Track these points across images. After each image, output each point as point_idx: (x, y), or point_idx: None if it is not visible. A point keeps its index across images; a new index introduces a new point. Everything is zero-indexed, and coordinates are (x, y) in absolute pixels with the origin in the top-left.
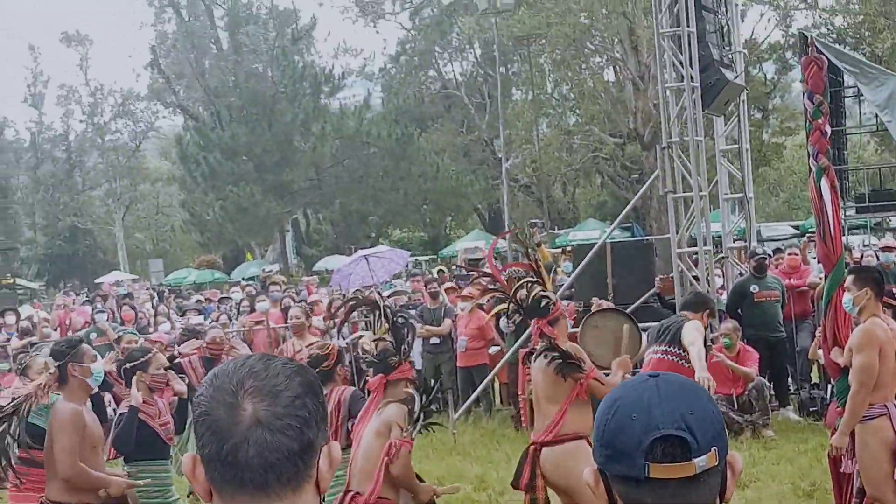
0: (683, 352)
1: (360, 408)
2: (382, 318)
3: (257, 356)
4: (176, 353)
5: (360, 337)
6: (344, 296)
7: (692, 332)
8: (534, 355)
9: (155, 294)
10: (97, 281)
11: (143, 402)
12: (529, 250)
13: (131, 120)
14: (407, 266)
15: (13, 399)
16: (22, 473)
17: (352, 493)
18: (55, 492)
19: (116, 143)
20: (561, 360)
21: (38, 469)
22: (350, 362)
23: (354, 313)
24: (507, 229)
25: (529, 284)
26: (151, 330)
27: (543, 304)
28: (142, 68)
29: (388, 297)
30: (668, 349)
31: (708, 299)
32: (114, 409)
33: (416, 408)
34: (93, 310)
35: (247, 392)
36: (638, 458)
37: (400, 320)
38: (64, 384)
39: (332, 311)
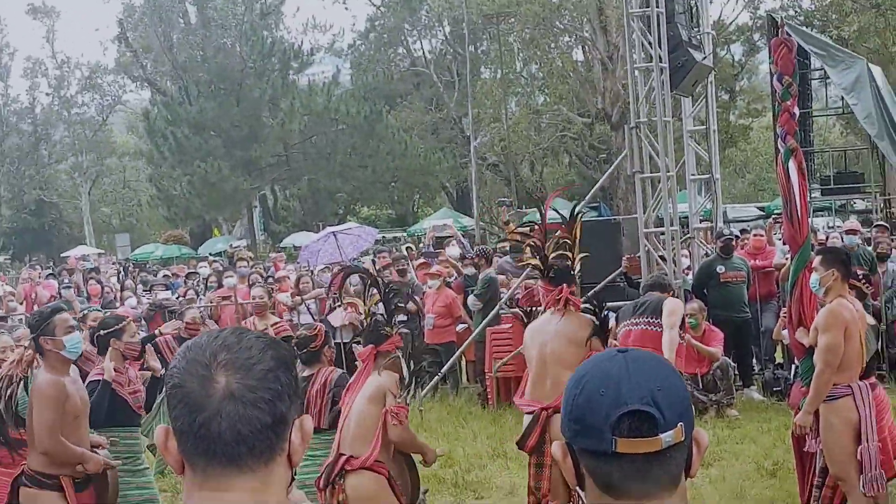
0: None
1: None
2: (373, 288)
3: (230, 329)
4: (156, 332)
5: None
6: (312, 272)
7: (675, 313)
8: (544, 318)
9: (121, 269)
10: (63, 255)
11: (115, 370)
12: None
13: (98, 93)
14: (375, 243)
15: None
16: None
17: (346, 456)
18: (36, 462)
19: (83, 117)
20: (598, 326)
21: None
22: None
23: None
24: (474, 208)
25: (565, 251)
26: (118, 305)
27: (571, 273)
28: (109, 41)
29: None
30: (651, 320)
31: (669, 282)
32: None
33: (406, 374)
34: (59, 284)
35: (220, 365)
36: (605, 432)
37: (392, 291)
38: (42, 357)
39: (300, 287)
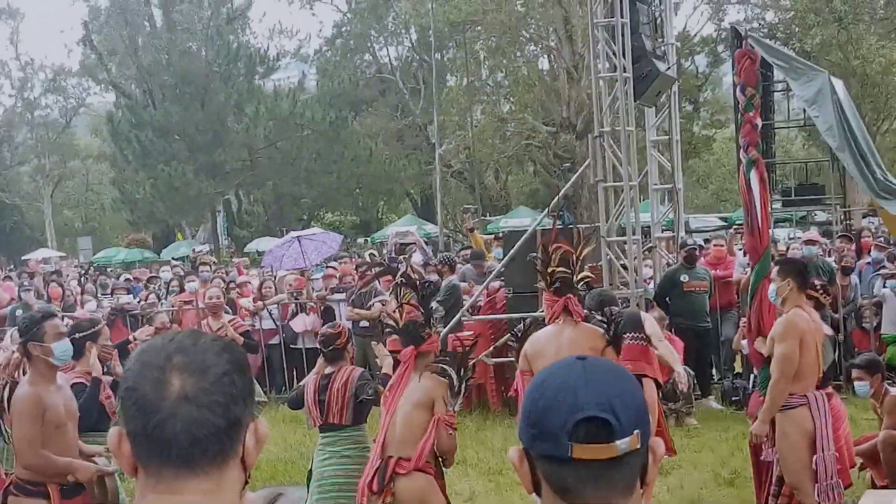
0: (645, 335)
1: (367, 388)
2: (408, 288)
3: (186, 332)
4: (130, 338)
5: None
6: (275, 277)
7: (656, 326)
8: (553, 328)
9: (83, 272)
10: (24, 258)
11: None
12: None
13: (62, 96)
14: (339, 249)
15: None
16: None
17: (395, 459)
18: (22, 471)
19: (46, 119)
20: (616, 335)
21: None
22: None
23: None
24: (438, 215)
25: (573, 264)
26: (78, 308)
27: (581, 285)
28: (74, 44)
29: (318, 278)
30: (635, 335)
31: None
32: None
33: (456, 381)
34: (19, 287)
35: (174, 367)
36: (562, 438)
37: (429, 291)
38: (30, 362)
39: (262, 291)
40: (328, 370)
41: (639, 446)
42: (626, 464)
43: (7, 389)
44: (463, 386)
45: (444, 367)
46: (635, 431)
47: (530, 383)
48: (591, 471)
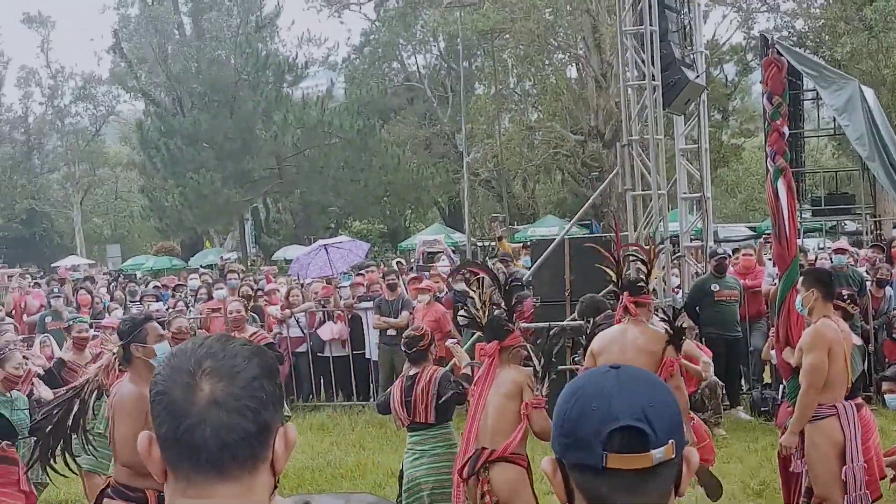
0: None
1: (449, 388)
2: (491, 285)
3: (216, 337)
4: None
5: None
6: (302, 285)
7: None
8: (619, 328)
9: (111, 280)
10: (54, 265)
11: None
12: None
13: (92, 103)
14: (366, 258)
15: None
16: None
17: (489, 450)
18: (121, 475)
19: (76, 127)
20: (673, 336)
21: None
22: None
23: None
24: (466, 223)
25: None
26: (106, 316)
27: (639, 285)
28: (103, 52)
29: (346, 287)
30: None
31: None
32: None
33: (539, 367)
34: (48, 294)
35: (204, 372)
36: (596, 447)
37: (512, 287)
38: (129, 364)
39: (290, 300)
40: (412, 371)
41: (673, 456)
42: (660, 473)
43: (94, 395)
44: (548, 372)
45: (529, 356)
46: (670, 441)
47: (563, 392)
48: (626, 481)
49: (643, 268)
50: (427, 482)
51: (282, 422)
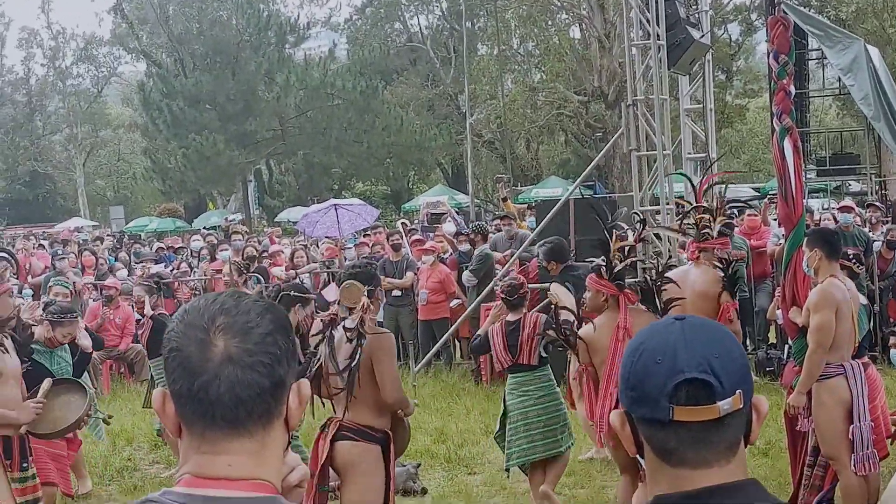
0: None
1: (552, 332)
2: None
3: (228, 293)
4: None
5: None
6: (307, 246)
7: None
8: (683, 268)
9: (115, 241)
10: (56, 228)
11: None
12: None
13: (93, 65)
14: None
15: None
16: None
17: None
18: (366, 416)
19: (78, 88)
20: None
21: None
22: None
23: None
24: (469, 185)
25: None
26: (110, 277)
27: (703, 231)
28: (105, 13)
29: (351, 248)
30: None
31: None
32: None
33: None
34: (53, 255)
35: (218, 328)
36: (662, 401)
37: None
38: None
39: (294, 261)
40: (512, 317)
41: (741, 406)
42: (728, 424)
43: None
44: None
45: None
46: (737, 391)
47: (628, 346)
48: (693, 433)
49: (706, 216)
50: (539, 420)
51: (295, 377)
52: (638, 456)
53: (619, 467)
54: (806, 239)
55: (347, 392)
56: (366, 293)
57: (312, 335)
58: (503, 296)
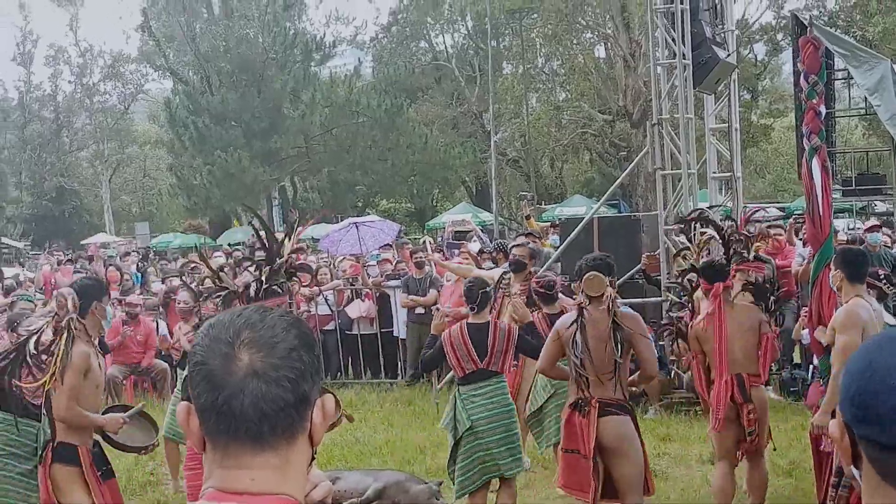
0: None
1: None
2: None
3: (254, 307)
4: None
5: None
6: (331, 264)
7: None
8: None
9: (141, 257)
10: (83, 242)
11: None
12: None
13: (120, 82)
14: (398, 237)
15: None
16: None
17: (746, 374)
18: (618, 391)
19: (105, 105)
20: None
21: None
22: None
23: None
24: (493, 203)
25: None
26: (137, 292)
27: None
28: (132, 30)
29: (374, 265)
30: None
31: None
32: None
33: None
34: (75, 271)
35: (243, 342)
36: (892, 427)
37: (729, 233)
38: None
39: (318, 278)
40: (546, 310)
41: None
42: None
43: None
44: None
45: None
46: None
47: (854, 357)
48: None
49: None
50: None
51: (319, 392)
52: (853, 467)
53: (719, 454)
54: (833, 257)
55: (616, 371)
56: (608, 282)
57: None
58: (541, 290)
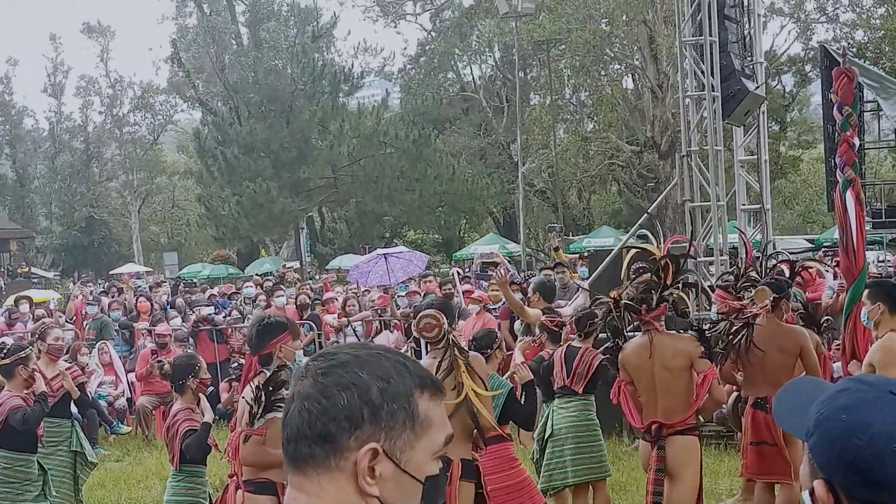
0: None
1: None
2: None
3: (360, 344)
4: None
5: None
6: (358, 294)
7: None
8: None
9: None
10: (112, 272)
11: None
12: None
13: (150, 113)
14: (426, 269)
15: None
16: None
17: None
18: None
19: (134, 136)
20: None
21: None
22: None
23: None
24: (521, 234)
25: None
26: (163, 323)
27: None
28: (162, 61)
29: (403, 296)
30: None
31: None
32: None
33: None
34: (105, 301)
35: (313, 369)
36: None
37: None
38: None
39: (346, 309)
40: (575, 343)
41: None
42: None
43: None
44: None
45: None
46: None
47: (849, 419)
48: None
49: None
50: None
51: (360, 444)
52: None
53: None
54: (867, 291)
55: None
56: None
57: None
58: (554, 328)
